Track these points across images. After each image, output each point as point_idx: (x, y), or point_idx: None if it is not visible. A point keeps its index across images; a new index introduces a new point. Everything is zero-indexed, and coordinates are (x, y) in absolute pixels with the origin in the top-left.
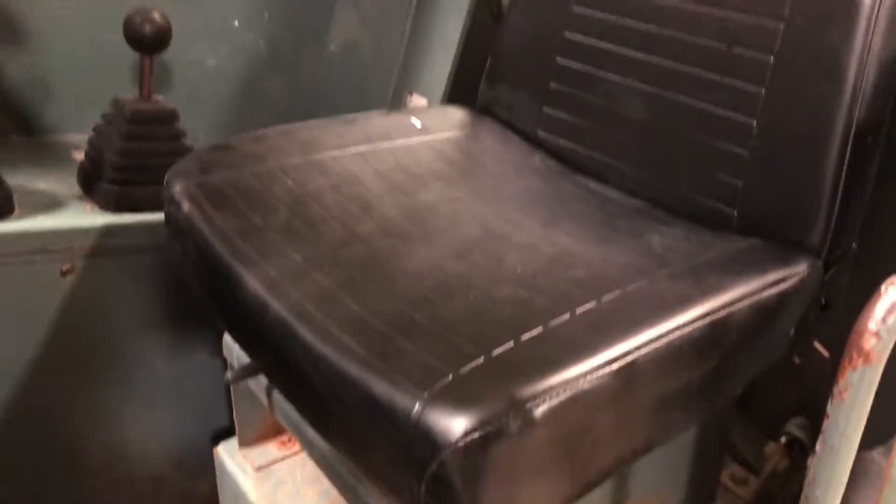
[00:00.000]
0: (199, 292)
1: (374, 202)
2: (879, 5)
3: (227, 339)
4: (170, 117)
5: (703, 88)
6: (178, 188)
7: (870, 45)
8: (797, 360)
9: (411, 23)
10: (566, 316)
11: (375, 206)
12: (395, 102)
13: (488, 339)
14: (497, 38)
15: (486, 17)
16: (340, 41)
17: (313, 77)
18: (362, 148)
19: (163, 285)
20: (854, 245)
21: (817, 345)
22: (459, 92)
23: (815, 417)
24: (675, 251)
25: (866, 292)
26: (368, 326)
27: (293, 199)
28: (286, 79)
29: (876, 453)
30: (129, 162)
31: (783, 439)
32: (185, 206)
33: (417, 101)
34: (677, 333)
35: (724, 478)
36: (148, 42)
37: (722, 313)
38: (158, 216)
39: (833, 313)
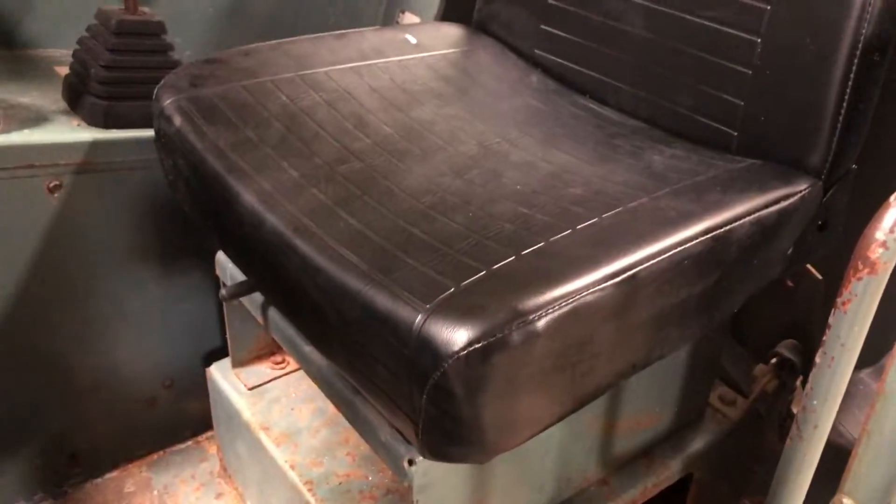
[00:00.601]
0: (191, 209)
1: (369, 119)
2: None
3: (221, 257)
4: (157, 29)
5: (706, 4)
6: (168, 102)
7: None
8: (790, 283)
9: None
10: (567, 231)
11: (371, 123)
12: (387, 22)
13: (489, 254)
14: None
15: None
16: None
17: None
18: (356, 63)
19: (153, 203)
20: (854, 166)
21: (810, 267)
22: (453, 10)
23: (805, 341)
24: (676, 170)
25: (864, 214)
26: (368, 240)
27: (287, 114)
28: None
29: (864, 374)
30: (116, 76)
31: (773, 361)
32: (177, 121)
33: (410, 19)
34: (679, 249)
35: (713, 398)
36: None
37: (723, 229)
38: (148, 132)
39: (830, 234)
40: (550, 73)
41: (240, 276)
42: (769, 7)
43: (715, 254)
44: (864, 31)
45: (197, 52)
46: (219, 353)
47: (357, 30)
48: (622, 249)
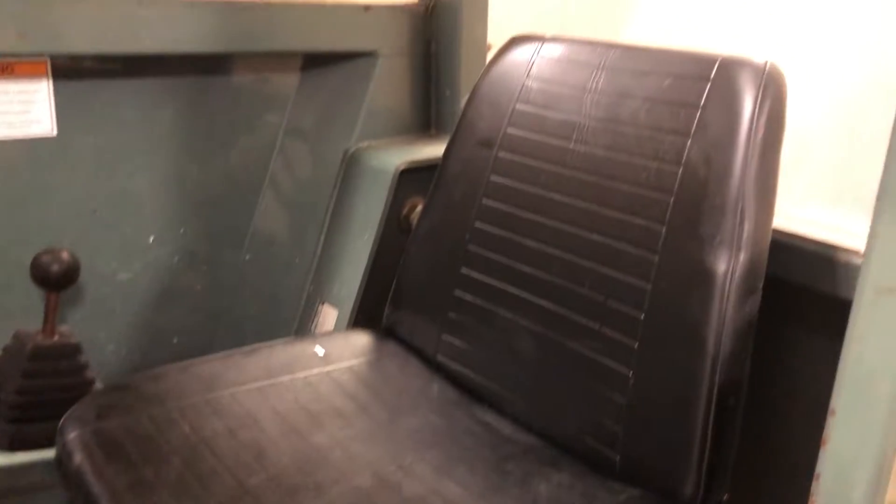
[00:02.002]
0: None
1: (268, 448)
2: (732, 276)
3: None
4: (72, 352)
5: (585, 334)
6: (71, 436)
7: (725, 313)
8: None
9: (325, 235)
10: None
11: (269, 454)
12: (308, 310)
13: None
14: (401, 265)
15: (395, 230)
16: (256, 250)
17: (227, 283)
18: (262, 383)
19: None
20: (725, 496)
21: None
22: (370, 302)
23: None
24: (559, 502)
25: None
26: None
27: (188, 447)
28: (200, 286)
29: None
30: (27, 400)
31: None
32: (77, 458)
33: (328, 311)
34: None
35: None
36: (54, 280)
37: None
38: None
39: None
40: (452, 380)
41: None
42: (636, 344)
43: None
44: (717, 378)
45: (120, 348)
46: None
47: (268, 343)
48: None
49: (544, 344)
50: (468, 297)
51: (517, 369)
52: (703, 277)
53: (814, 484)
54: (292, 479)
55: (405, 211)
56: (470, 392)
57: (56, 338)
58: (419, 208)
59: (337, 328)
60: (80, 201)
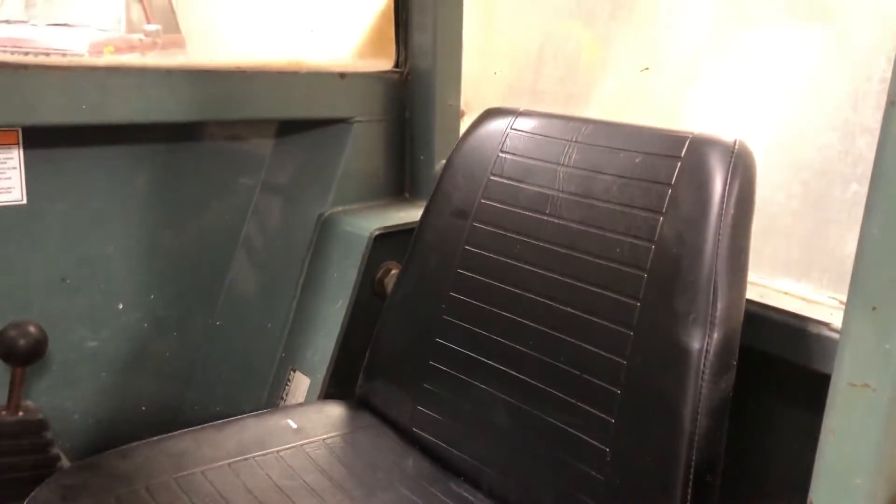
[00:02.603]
0: None
1: None
2: (707, 353)
3: None
4: (37, 428)
5: (561, 408)
6: None
7: (701, 390)
8: None
9: (298, 300)
10: None
11: None
12: (279, 377)
13: None
14: (375, 334)
15: (369, 294)
16: (228, 315)
17: (198, 348)
18: (234, 459)
19: None
20: None
21: None
22: (342, 370)
23: None
24: None
25: None
26: None
27: None
28: (169, 352)
29: None
30: None
31: None
32: None
33: (300, 378)
34: None
35: None
36: (21, 355)
37: None
38: None
39: None
40: (427, 452)
41: None
42: (613, 420)
43: None
44: (693, 455)
45: (86, 417)
46: None
47: (240, 417)
48: None
49: (520, 417)
50: (443, 367)
51: (493, 442)
52: (678, 354)
53: None
54: None
55: (379, 274)
56: (445, 465)
57: (20, 414)
58: (393, 272)
59: (308, 397)
60: (49, 269)
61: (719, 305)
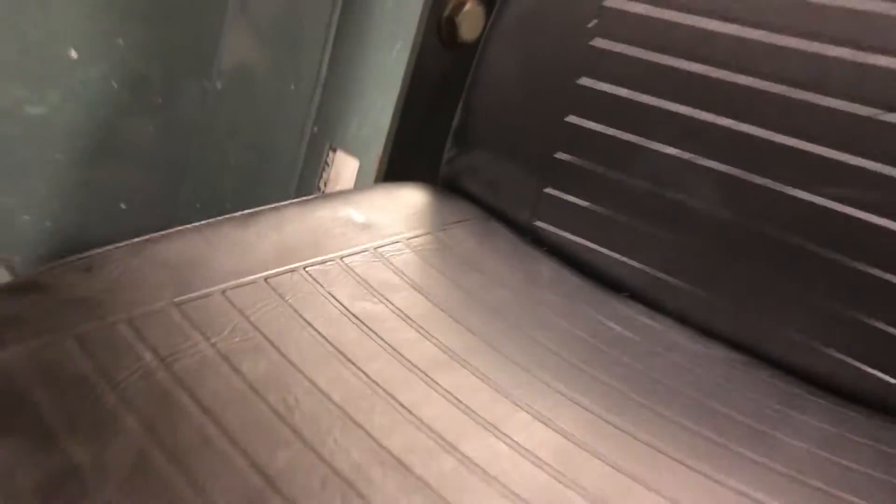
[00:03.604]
0: None
1: (300, 393)
2: None
3: None
4: None
5: (833, 177)
6: None
7: None
8: None
9: (329, 53)
10: None
11: (303, 403)
12: (312, 160)
13: None
14: (470, 82)
15: (432, 44)
16: (231, 75)
17: (192, 126)
18: (274, 272)
19: None
20: None
21: None
22: (404, 145)
23: None
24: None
25: None
26: None
27: (150, 397)
28: (154, 126)
29: None
30: None
31: None
32: None
33: (344, 161)
34: None
35: None
36: None
37: None
38: None
39: None
40: (561, 258)
41: None
42: None
43: None
44: None
45: (37, 219)
46: None
47: (274, 206)
48: None
49: (740, 195)
50: (592, 123)
51: (687, 242)
52: None
53: None
54: (358, 448)
55: (448, 11)
56: (600, 277)
57: None
58: (468, 7)
59: (358, 185)
60: None
61: None
